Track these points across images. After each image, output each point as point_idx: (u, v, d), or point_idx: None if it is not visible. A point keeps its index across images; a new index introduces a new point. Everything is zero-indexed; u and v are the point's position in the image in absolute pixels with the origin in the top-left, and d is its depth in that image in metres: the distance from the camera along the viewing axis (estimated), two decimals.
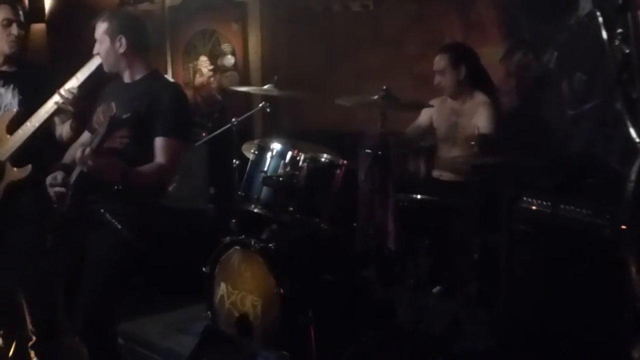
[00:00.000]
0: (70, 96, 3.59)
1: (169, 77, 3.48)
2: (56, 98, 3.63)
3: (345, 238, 3.94)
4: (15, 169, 3.75)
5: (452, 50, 4.47)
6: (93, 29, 3.50)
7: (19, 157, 3.76)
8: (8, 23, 3.81)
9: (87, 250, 3.31)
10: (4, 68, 3.93)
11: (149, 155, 3.26)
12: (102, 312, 3.27)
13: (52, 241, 3.31)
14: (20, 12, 3.88)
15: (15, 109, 3.83)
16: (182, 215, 4.99)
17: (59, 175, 3.22)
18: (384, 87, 3.83)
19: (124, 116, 3.16)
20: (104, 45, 3.44)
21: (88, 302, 3.25)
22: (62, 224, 3.28)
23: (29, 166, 3.72)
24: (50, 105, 3.68)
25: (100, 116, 3.46)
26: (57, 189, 3.21)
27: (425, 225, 4.08)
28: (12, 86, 3.88)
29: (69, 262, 3.35)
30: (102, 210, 3.22)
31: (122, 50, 3.42)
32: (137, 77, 3.46)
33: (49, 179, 3.26)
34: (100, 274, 3.26)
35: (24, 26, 3.91)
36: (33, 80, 3.89)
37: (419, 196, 4.21)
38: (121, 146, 3.27)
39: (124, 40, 3.41)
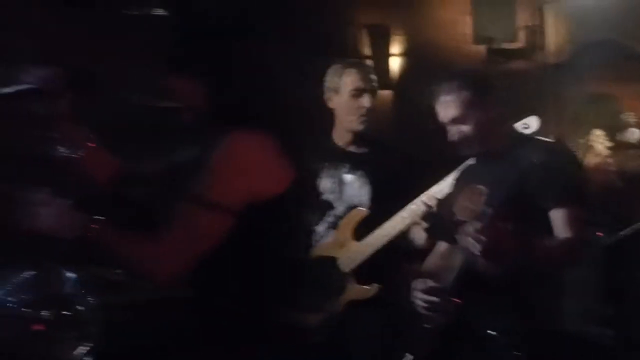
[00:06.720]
0: (434, 203, 3.29)
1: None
2: (417, 203, 3.32)
3: None
4: (359, 285, 3.44)
5: None
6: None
7: (364, 269, 3.43)
8: (359, 93, 3.45)
9: None
10: (351, 148, 3.53)
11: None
12: None
13: None
14: (372, 77, 3.51)
15: (364, 206, 3.47)
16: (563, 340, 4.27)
17: (429, 280, 2.94)
18: None
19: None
20: (471, 118, 2.97)
21: None
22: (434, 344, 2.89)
23: (375, 286, 3.40)
24: (409, 211, 3.33)
25: (465, 205, 2.97)
26: (430, 297, 2.88)
27: None
28: (360, 173, 3.50)
29: None
30: (488, 331, 2.76)
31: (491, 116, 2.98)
32: (498, 143, 3.02)
33: (418, 284, 2.96)
34: None
35: (375, 95, 3.55)
36: (386, 166, 3.49)
37: None
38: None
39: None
